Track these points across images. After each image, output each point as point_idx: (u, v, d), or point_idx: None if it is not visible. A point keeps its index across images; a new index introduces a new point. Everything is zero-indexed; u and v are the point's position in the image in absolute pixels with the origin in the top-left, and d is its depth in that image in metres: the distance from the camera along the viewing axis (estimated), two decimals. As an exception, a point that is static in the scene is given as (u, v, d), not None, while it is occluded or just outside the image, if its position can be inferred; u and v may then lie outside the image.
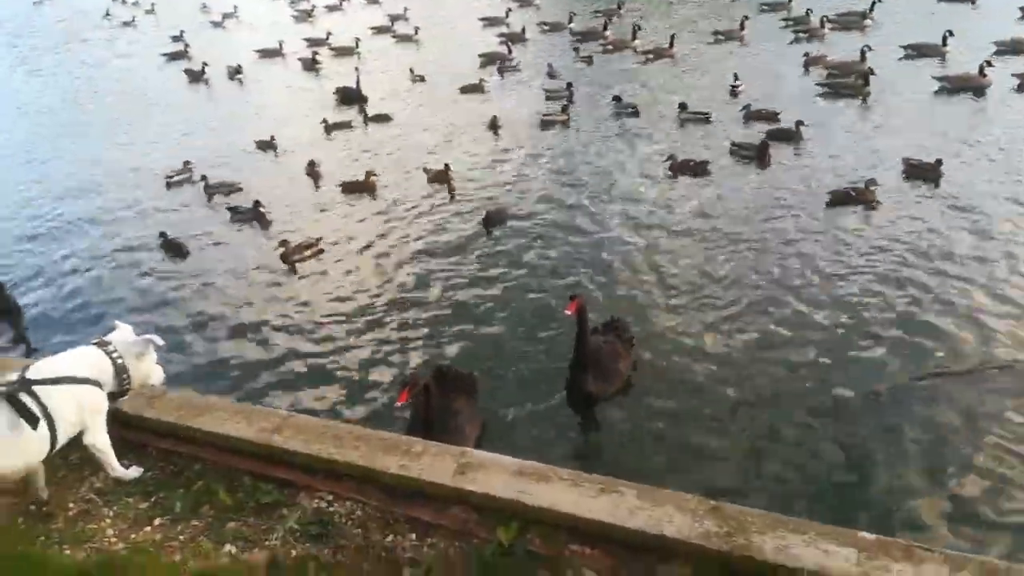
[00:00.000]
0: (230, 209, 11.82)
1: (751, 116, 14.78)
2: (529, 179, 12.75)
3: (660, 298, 8.60)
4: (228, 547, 3.63)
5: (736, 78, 16.41)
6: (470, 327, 8.30)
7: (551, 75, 18.61)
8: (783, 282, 8.70)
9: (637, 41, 20.68)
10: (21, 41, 32.38)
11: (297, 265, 10.12)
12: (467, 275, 9.56)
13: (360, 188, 12.49)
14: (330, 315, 8.88)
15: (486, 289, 9.16)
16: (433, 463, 3.80)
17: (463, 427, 5.83)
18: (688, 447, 6.14)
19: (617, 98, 15.95)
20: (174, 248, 10.86)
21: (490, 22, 25.24)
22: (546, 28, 24.18)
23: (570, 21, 23.68)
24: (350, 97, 18.19)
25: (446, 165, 12.60)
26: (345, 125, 16.19)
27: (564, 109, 15.69)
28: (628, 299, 8.63)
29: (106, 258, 11.04)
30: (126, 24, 32.61)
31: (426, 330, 8.36)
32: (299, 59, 22.86)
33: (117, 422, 4.13)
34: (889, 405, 6.47)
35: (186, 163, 14.08)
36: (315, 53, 22.74)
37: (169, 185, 13.64)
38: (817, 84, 16.38)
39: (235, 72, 21.61)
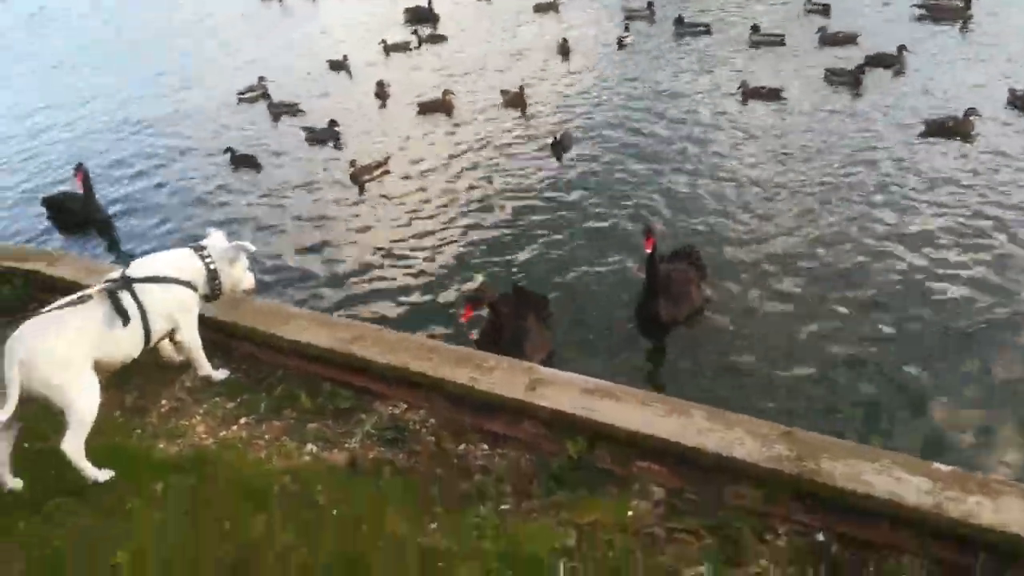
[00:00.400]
0: (305, 129, 11.96)
1: (827, 40, 14.03)
2: (599, 103, 12.50)
3: (733, 228, 8.40)
4: (309, 447, 3.83)
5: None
6: (540, 250, 8.31)
7: None
8: (865, 216, 8.37)
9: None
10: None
11: (367, 184, 10.25)
12: (537, 198, 9.52)
13: (437, 107, 12.48)
14: (399, 235, 9.00)
15: (556, 213, 9.12)
16: (504, 377, 3.88)
17: (532, 346, 5.91)
18: (759, 376, 6.08)
19: (680, 19, 15.37)
20: (244, 161, 11.09)
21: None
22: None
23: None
24: (421, 16, 17.93)
25: (521, 88, 12.43)
26: (403, 47, 16.01)
27: (626, 28, 15.23)
28: (700, 228, 8.46)
29: (180, 172, 11.37)
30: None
31: (495, 252, 8.41)
32: None
33: (207, 326, 4.33)
34: (975, 342, 6.25)
35: (260, 79, 14.23)
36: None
37: (240, 101, 13.85)
38: (914, 6, 15.36)
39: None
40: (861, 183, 9.07)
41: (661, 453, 3.49)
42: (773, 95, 11.88)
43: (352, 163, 10.40)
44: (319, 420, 4.02)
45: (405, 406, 4.05)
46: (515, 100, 12.39)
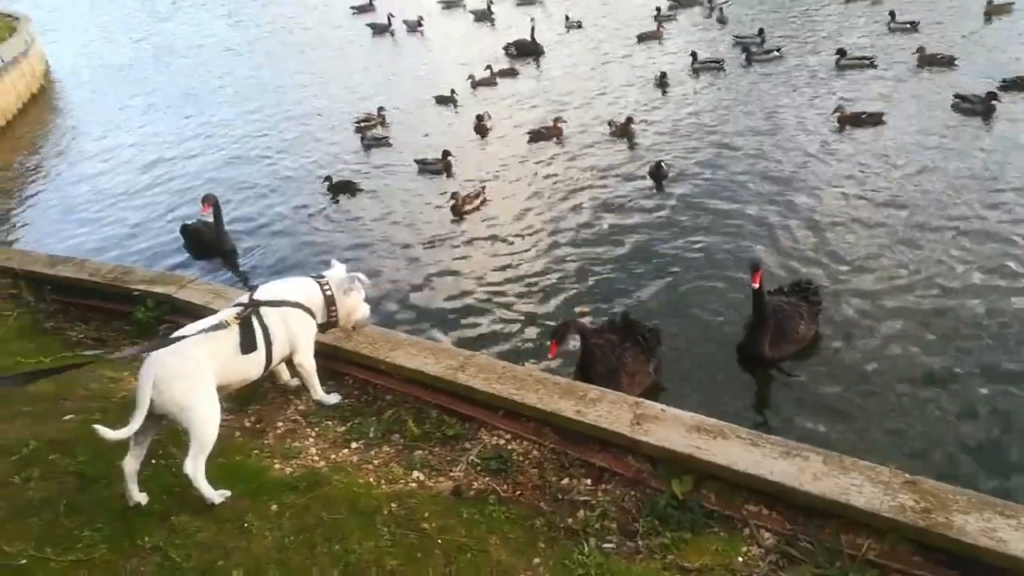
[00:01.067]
0: (418, 161, 12.28)
1: (925, 62, 13.36)
2: (698, 130, 12.31)
3: (845, 261, 8.07)
4: (416, 473, 3.90)
5: (893, 16, 14.94)
6: (643, 278, 8.24)
7: (720, 20, 17.93)
8: (999, 258, 7.81)
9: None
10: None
11: (467, 214, 10.43)
12: (638, 228, 9.45)
13: (547, 135, 12.70)
14: (501, 263, 9.10)
15: (658, 242, 9.01)
16: (610, 411, 3.86)
17: (628, 379, 5.81)
18: (874, 418, 5.79)
19: (748, 52, 15.16)
20: (343, 188, 11.56)
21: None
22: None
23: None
24: (524, 49, 18.13)
25: (628, 119, 12.40)
26: (489, 82, 16.12)
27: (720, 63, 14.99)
28: (808, 259, 8.18)
29: (295, 200, 11.88)
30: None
31: (597, 280, 8.38)
32: (471, 11, 23.16)
33: (321, 352, 4.51)
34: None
35: (380, 109, 14.76)
36: (489, 3, 22.93)
37: (357, 130, 14.42)
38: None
39: (415, 25, 22.25)
40: (995, 229, 8.48)
41: (772, 497, 3.37)
42: (873, 120, 11.40)
43: (453, 195, 10.61)
44: (426, 446, 4.10)
45: (509, 436, 4.08)
46: (623, 130, 12.34)
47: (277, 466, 4.10)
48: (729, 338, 6.85)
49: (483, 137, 13.52)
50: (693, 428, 3.67)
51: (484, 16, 22.41)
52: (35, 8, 31.32)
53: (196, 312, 5.29)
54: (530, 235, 9.70)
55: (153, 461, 3.99)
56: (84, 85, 22.48)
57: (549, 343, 5.80)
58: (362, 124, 14.50)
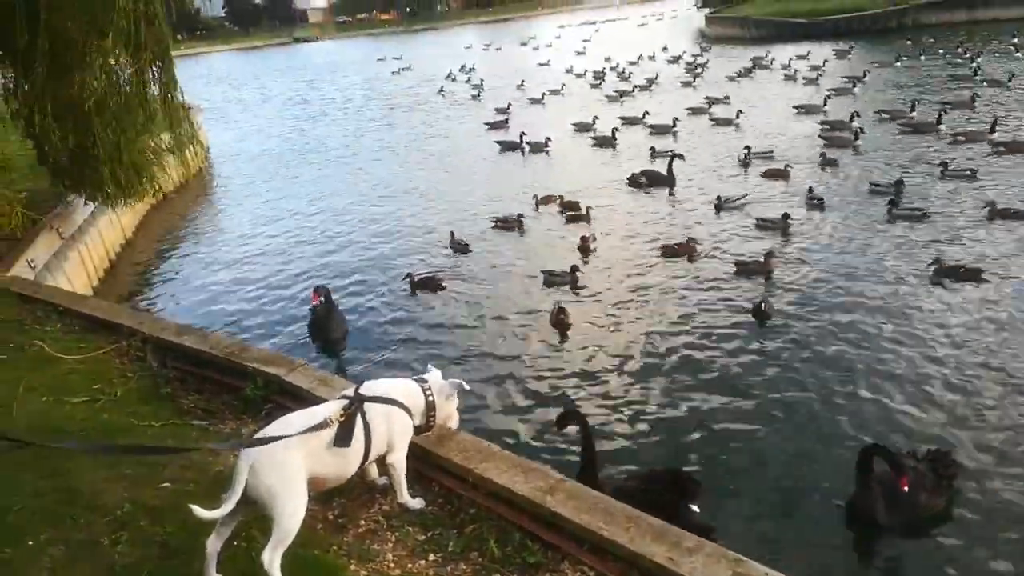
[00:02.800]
0: (545, 272, 12.39)
1: (995, 214, 12.91)
2: (808, 274, 11.83)
3: (971, 425, 7.44)
4: (492, 598, 3.72)
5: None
6: (734, 425, 7.86)
7: (824, 164, 17.75)
8: None
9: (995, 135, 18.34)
10: (372, 103, 38.22)
11: (567, 327, 10.42)
12: (733, 371, 9.04)
13: (680, 252, 12.95)
14: (595, 380, 8.98)
15: (753, 389, 8.58)
16: (706, 564, 3.57)
17: None
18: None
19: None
20: (424, 285, 12.21)
21: (806, 110, 24.37)
22: (884, 116, 22.20)
23: (912, 109, 21.77)
24: (655, 179, 17.82)
25: (767, 255, 12.06)
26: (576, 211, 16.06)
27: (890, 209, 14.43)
28: (930, 421, 7.59)
29: (387, 301, 12.30)
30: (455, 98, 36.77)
31: (684, 422, 8.04)
32: (593, 136, 23.56)
33: (411, 454, 4.46)
34: None
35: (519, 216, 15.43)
36: (615, 130, 23.41)
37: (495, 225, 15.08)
38: None
39: (543, 146, 22.89)
40: None
41: None
42: (972, 275, 10.76)
43: (556, 304, 10.71)
44: (504, 570, 3.91)
45: (593, 573, 3.84)
46: (759, 268, 12.02)
47: (352, 567, 4.01)
48: (828, 495, 6.36)
49: (585, 256, 13.46)
50: (797, 597, 3.34)
51: (607, 142, 22.82)
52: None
53: (301, 395, 5.41)
54: (629, 359, 9.50)
55: (235, 543, 3.99)
56: (239, 171, 24.51)
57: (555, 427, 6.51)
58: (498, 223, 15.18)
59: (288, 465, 3.62)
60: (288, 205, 19.67)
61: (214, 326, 10.86)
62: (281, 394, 5.66)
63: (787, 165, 17.59)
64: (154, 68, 9.61)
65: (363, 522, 4.40)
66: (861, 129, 20.08)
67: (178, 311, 12.34)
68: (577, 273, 12.11)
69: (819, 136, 20.43)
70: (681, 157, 18.29)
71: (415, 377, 4.47)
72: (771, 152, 19.25)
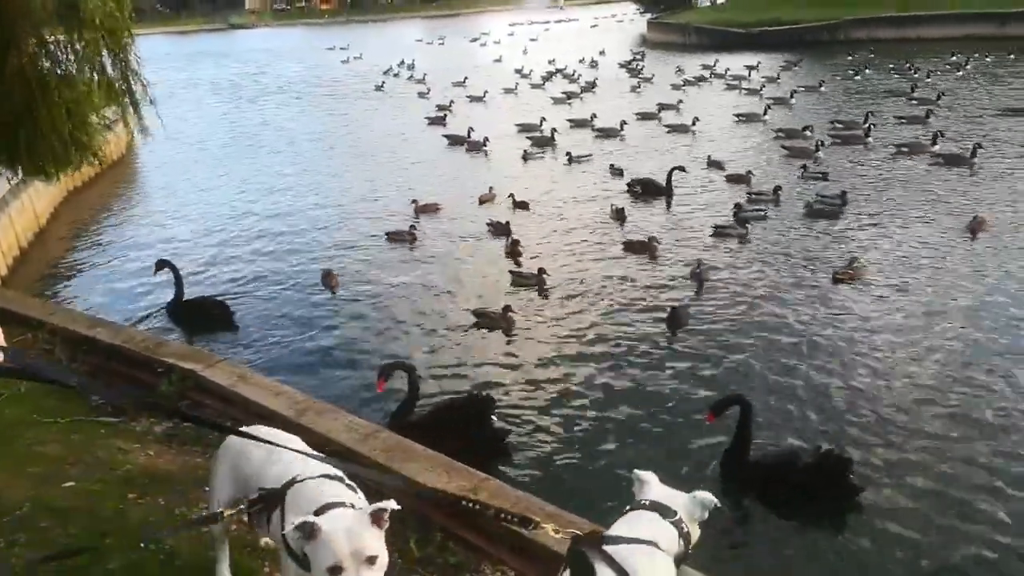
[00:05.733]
0: (512, 273, 12.24)
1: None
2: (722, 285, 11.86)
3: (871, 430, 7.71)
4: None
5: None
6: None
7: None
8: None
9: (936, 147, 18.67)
10: (313, 90, 37.52)
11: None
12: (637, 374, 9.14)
13: (641, 249, 13.12)
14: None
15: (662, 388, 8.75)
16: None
17: None
18: None
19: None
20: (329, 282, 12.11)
21: (747, 119, 24.66)
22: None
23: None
24: (651, 189, 16.95)
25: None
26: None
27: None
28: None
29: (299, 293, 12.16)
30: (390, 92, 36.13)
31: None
32: (530, 137, 23.06)
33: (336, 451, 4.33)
34: None
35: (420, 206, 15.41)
36: (554, 130, 23.11)
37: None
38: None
39: (481, 144, 22.54)
40: None
41: None
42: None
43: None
44: (423, 572, 3.85)
45: (513, 574, 3.81)
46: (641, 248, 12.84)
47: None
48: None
49: (516, 262, 13.05)
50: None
51: (547, 142, 22.36)
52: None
53: (221, 393, 5.23)
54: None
55: (142, 545, 3.81)
56: (163, 158, 23.63)
57: (376, 380, 6.85)
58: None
59: None
60: (212, 196, 19.15)
61: (131, 320, 10.48)
62: (199, 390, 5.46)
63: (748, 171, 17.54)
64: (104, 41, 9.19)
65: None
66: (821, 142, 19.98)
67: (91, 304, 11.81)
68: (544, 276, 11.83)
69: (781, 147, 20.44)
70: (683, 169, 17.35)
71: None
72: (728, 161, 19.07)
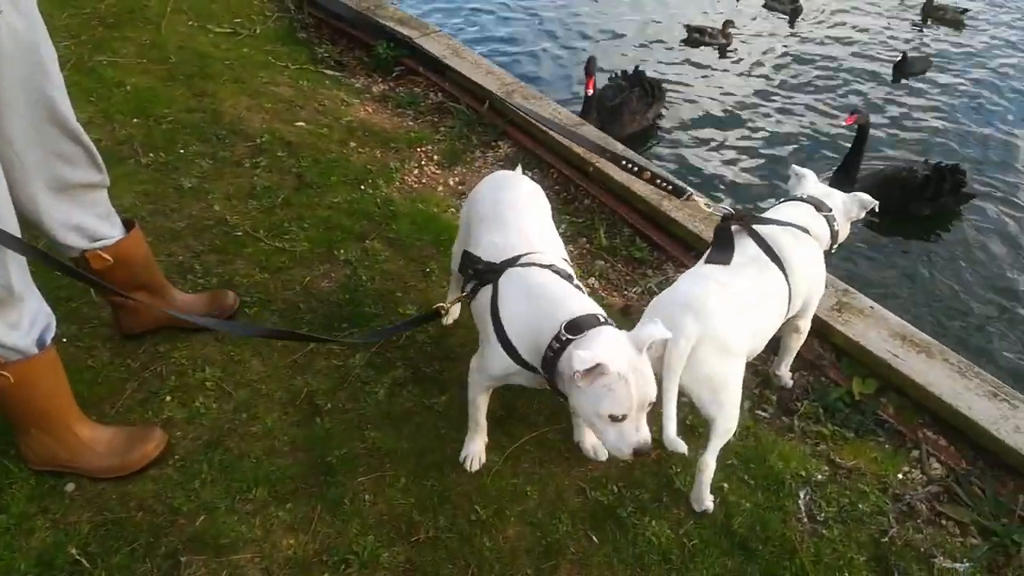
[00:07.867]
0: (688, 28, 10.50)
1: None
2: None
3: None
4: (592, 280, 3.89)
5: None
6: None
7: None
8: None
9: None
10: None
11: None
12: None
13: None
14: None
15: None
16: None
17: (628, 117, 6.27)
18: None
19: None
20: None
21: None
22: None
23: None
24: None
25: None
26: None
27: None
28: None
29: None
30: None
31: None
32: None
33: (526, 140, 4.41)
34: None
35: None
36: None
37: None
38: None
39: None
40: None
41: (959, 432, 3.08)
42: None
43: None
44: (610, 259, 4.05)
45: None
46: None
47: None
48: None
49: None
50: (898, 335, 3.35)
51: None
52: None
53: (432, 62, 5.34)
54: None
55: (362, 187, 4.22)
56: None
57: (585, 80, 5.95)
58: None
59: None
60: None
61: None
62: (413, 58, 5.60)
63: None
64: None
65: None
66: None
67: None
68: (730, 30, 9.56)
69: None
70: None
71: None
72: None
